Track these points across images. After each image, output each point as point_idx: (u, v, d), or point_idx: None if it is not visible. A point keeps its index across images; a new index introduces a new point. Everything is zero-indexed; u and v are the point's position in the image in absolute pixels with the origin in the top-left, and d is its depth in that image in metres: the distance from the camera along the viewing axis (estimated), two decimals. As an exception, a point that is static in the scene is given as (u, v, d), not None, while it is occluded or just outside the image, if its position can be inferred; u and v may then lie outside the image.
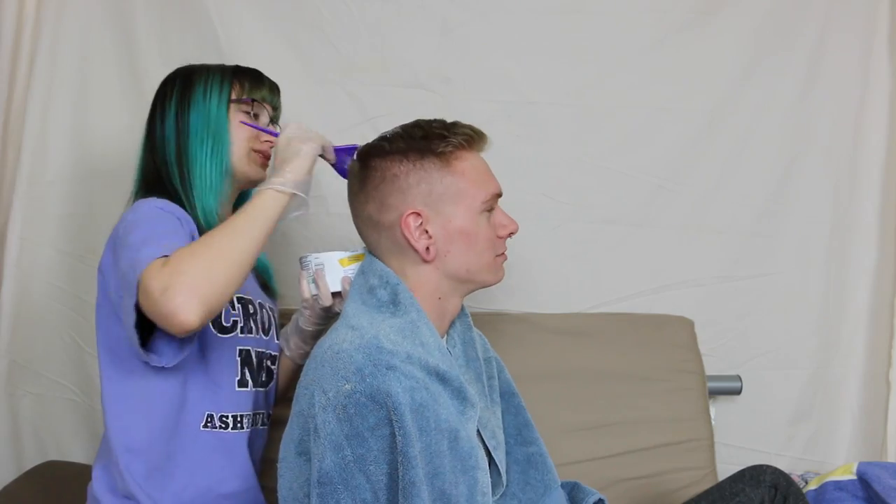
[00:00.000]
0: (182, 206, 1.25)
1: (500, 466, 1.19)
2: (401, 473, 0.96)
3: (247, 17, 1.76)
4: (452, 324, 1.24)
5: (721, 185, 1.83)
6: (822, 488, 1.51)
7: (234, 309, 1.26)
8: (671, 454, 1.63)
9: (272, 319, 1.36)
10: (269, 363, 1.33)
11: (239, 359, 1.26)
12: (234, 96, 1.32)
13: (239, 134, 1.31)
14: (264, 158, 1.34)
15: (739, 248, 1.84)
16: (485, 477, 1.07)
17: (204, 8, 1.75)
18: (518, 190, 1.77)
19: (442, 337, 1.20)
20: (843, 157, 1.85)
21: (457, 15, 1.79)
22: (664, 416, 1.65)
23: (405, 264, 1.14)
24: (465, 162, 1.14)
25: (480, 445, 1.11)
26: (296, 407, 1.07)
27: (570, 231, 1.81)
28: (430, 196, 1.12)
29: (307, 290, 1.28)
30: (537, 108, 1.80)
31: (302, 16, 1.78)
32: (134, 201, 1.30)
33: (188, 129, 1.28)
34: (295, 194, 1.17)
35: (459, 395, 1.08)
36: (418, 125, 1.16)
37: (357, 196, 1.18)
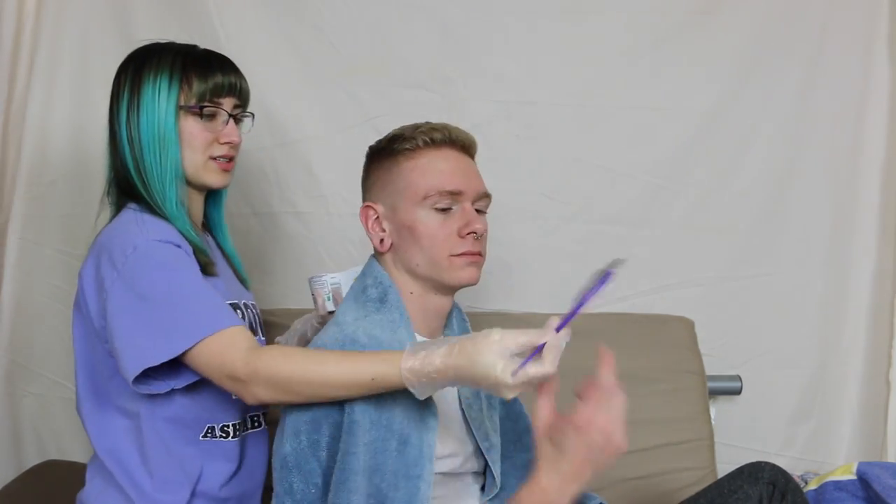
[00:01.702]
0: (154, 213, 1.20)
1: (492, 468, 1.20)
2: (339, 460, 1.01)
3: (247, 17, 1.76)
4: (449, 324, 1.24)
5: (721, 185, 1.83)
6: (822, 488, 1.51)
7: None
8: (671, 454, 1.63)
9: (257, 317, 1.34)
10: None
11: None
12: (182, 101, 1.19)
13: (191, 142, 1.20)
14: (226, 163, 1.24)
15: (739, 248, 1.84)
16: (427, 489, 1.06)
17: (204, 8, 1.75)
18: (518, 190, 1.78)
19: (432, 337, 1.20)
20: (843, 157, 1.85)
21: (457, 15, 1.79)
22: (664, 416, 1.65)
23: (378, 258, 1.20)
24: (422, 159, 1.15)
25: (432, 459, 1.08)
26: None
27: (569, 231, 1.81)
28: (382, 191, 1.18)
29: (325, 307, 1.31)
30: (537, 108, 1.80)
31: (302, 16, 1.78)
32: (111, 206, 1.25)
33: (140, 136, 1.19)
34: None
35: (424, 403, 1.07)
36: (400, 129, 1.19)
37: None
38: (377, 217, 1.18)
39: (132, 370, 1.09)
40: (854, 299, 1.87)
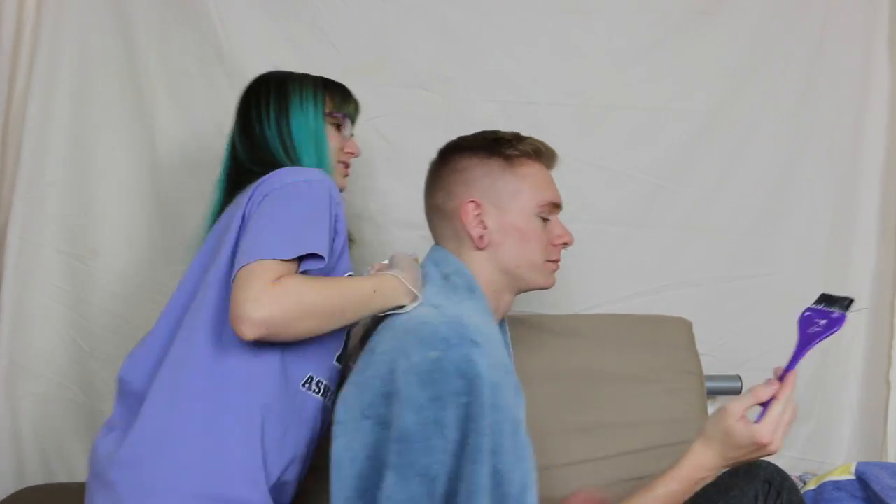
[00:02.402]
0: None
1: None
2: (470, 440, 1.01)
3: (247, 17, 1.76)
4: (501, 323, 1.30)
5: (721, 185, 1.83)
6: (821, 488, 1.51)
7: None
8: (670, 455, 1.62)
9: None
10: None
11: (345, 335, 1.30)
12: (327, 109, 1.37)
13: (331, 145, 1.37)
14: (346, 168, 1.42)
15: (739, 248, 1.84)
16: (534, 472, 1.09)
17: (204, 8, 1.76)
18: (518, 190, 1.78)
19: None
20: (843, 157, 1.85)
21: (457, 15, 1.79)
22: (663, 416, 1.65)
23: (462, 251, 1.22)
24: (528, 168, 1.24)
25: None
26: (367, 372, 1.10)
27: (569, 231, 1.81)
28: (490, 190, 1.21)
29: None
30: (537, 108, 1.80)
31: (302, 16, 1.78)
32: (222, 194, 1.37)
33: (292, 135, 1.34)
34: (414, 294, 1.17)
35: (517, 391, 1.12)
36: (494, 131, 1.26)
37: (430, 186, 1.28)
38: (479, 213, 1.21)
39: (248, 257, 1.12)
40: (854, 299, 1.86)
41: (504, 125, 1.76)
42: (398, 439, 1.03)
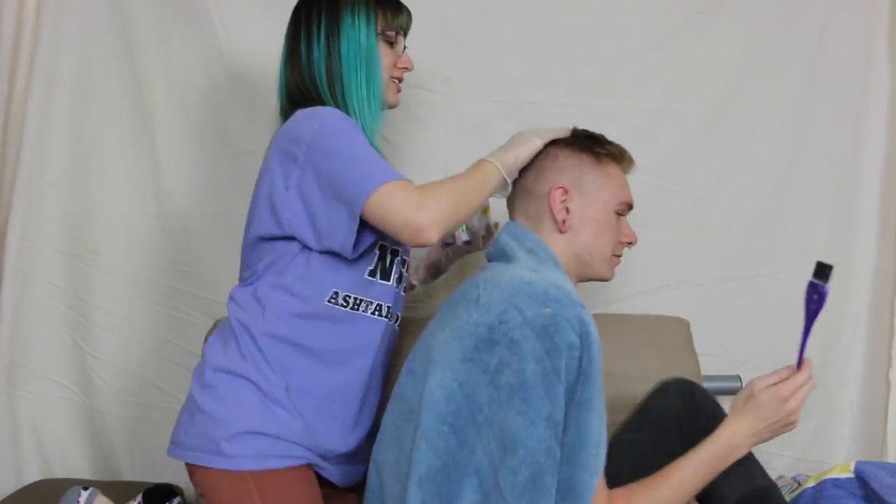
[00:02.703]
0: None
1: None
2: (579, 390, 1.10)
3: (247, 17, 1.76)
4: None
5: (721, 185, 1.83)
6: (821, 486, 1.51)
7: None
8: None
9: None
10: (401, 266, 1.38)
11: (378, 252, 1.32)
12: (379, 28, 1.34)
13: (384, 62, 1.36)
14: (399, 83, 1.41)
15: (739, 248, 1.84)
16: (606, 428, 1.16)
17: (204, 8, 1.76)
18: (518, 190, 1.78)
19: None
20: (843, 157, 1.85)
21: (457, 15, 1.79)
22: (662, 416, 1.65)
23: (542, 230, 1.29)
24: (613, 168, 1.32)
25: None
26: (469, 319, 1.16)
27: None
28: (579, 180, 1.29)
29: (461, 237, 1.52)
30: (537, 108, 1.80)
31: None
32: (286, 114, 1.35)
33: (340, 55, 1.32)
34: (505, 179, 1.29)
35: None
36: (585, 132, 1.34)
37: (524, 168, 1.33)
38: (565, 199, 1.27)
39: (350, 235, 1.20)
40: (854, 299, 1.87)
41: (504, 125, 1.78)
42: (522, 387, 1.09)
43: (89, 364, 1.81)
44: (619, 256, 1.36)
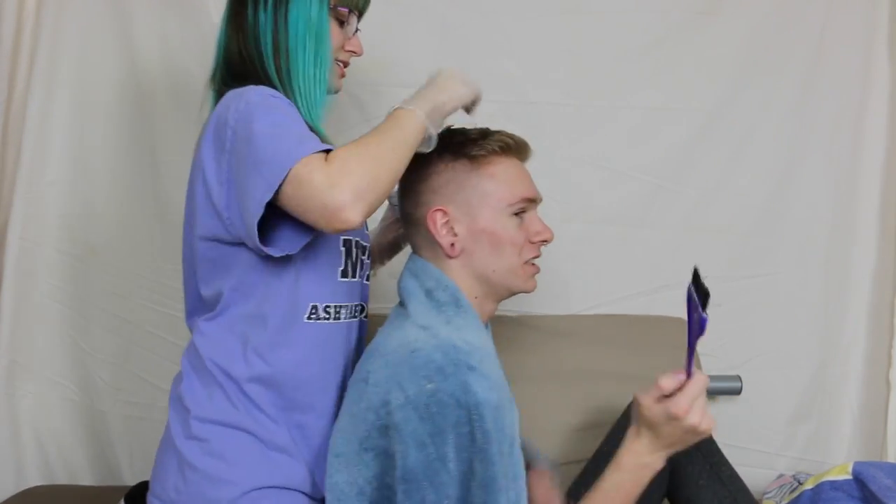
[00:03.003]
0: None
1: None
2: (480, 470, 0.99)
3: (247, 17, 1.76)
4: (487, 327, 1.27)
5: (721, 185, 1.83)
6: (819, 488, 1.51)
7: None
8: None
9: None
10: (362, 255, 1.27)
11: (343, 249, 1.21)
12: (332, 2, 1.21)
13: (332, 42, 1.23)
14: (343, 67, 1.29)
15: (739, 248, 1.84)
16: (526, 490, 1.08)
17: (204, 8, 1.75)
18: (518, 190, 1.78)
19: None
20: (843, 157, 1.85)
21: (457, 15, 1.79)
22: (663, 416, 1.65)
23: (437, 260, 1.17)
24: (497, 166, 1.17)
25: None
26: (360, 403, 1.08)
27: (569, 231, 1.81)
28: (457, 195, 1.16)
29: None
30: (537, 108, 1.80)
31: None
32: (214, 92, 1.24)
33: (287, 26, 1.18)
34: (428, 132, 1.12)
35: (512, 403, 1.10)
36: (460, 131, 1.20)
37: (400, 192, 1.23)
38: (447, 220, 1.16)
39: (251, 222, 1.04)
40: (854, 299, 1.87)
41: (504, 125, 1.76)
42: (404, 478, 1.00)
43: (89, 364, 1.81)
44: (536, 258, 1.21)
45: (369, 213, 1.04)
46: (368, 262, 1.30)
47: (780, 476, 1.73)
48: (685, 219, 1.83)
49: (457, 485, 1.00)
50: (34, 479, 1.78)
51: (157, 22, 1.77)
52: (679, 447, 1.05)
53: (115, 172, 1.80)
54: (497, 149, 1.17)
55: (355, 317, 1.25)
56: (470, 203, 1.15)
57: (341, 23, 1.25)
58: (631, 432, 1.06)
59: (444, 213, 1.15)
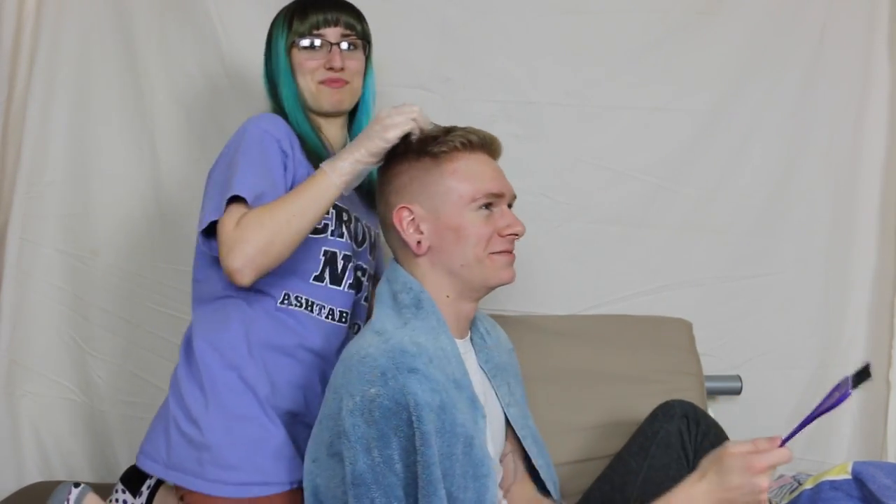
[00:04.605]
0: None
1: (529, 453, 1.29)
2: (420, 473, 1.01)
3: (247, 17, 1.76)
4: (475, 328, 1.28)
5: (721, 185, 1.83)
6: (818, 488, 1.51)
7: (327, 214, 1.29)
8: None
9: (367, 235, 1.42)
10: (358, 273, 1.37)
11: (322, 258, 1.31)
12: (290, 40, 1.37)
13: (302, 70, 1.37)
14: (334, 83, 1.37)
15: (739, 248, 1.84)
16: (494, 487, 1.09)
17: (204, 8, 1.75)
18: (518, 190, 1.74)
19: (462, 338, 1.22)
20: (843, 157, 1.85)
21: (457, 15, 1.79)
22: (663, 416, 1.65)
23: (409, 261, 1.19)
24: (459, 162, 1.17)
25: (490, 456, 1.13)
26: (325, 410, 1.12)
27: (569, 231, 1.81)
28: (421, 193, 1.17)
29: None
30: (537, 108, 1.80)
31: (302, 16, 1.78)
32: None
33: (271, 64, 1.40)
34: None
35: (473, 404, 1.11)
36: (426, 131, 1.20)
37: (376, 197, 1.25)
38: (412, 218, 1.16)
39: (200, 225, 1.24)
40: (854, 299, 1.87)
41: (504, 125, 1.78)
42: (353, 483, 1.02)
43: (89, 364, 1.81)
44: (507, 252, 1.20)
45: (260, 276, 1.19)
46: (366, 281, 1.40)
47: (781, 476, 1.73)
48: (685, 219, 1.83)
49: (404, 486, 1.02)
50: (34, 479, 1.77)
51: (157, 22, 1.77)
52: None
53: (115, 172, 1.80)
54: (458, 145, 1.17)
55: (336, 321, 1.33)
56: (433, 200, 1.16)
57: (310, 48, 1.36)
58: (693, 476, 1.05)
59: (410, 210, 1.17)
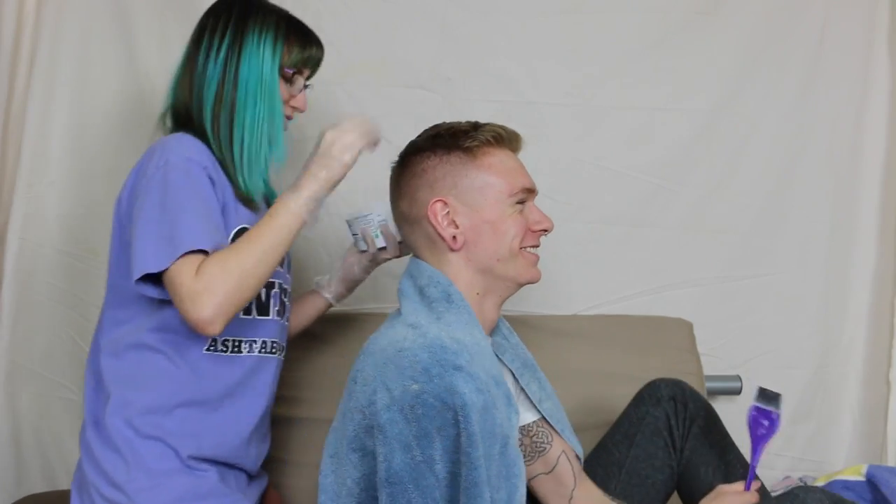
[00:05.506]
0: (209, 146, 1.23)
1: (575, 447, 1.29)
2: (464, 474, 0.97)
3: (247, 17, 1.76)
4: (498, 330, 1.28)
5: (721, 185, 1.83)
6: (831, 486, 1.51)
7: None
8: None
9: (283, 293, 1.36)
10: (283, 297, 1.32)
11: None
12: (283, 62, 1.26)
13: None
14: (286, 121, 1.32)
15: (739, 248, 1.84)
16: (523, 487, 1.07)
17: (204, 8, 1.75)
18: (518, 190, 1.78)
19: (488, 335, 1.22)
20: (843, 157, 1.85)
21: (457, 15, 1.79)
22: (663, 416, 1.65)
23: (439, 257, 1.17)
24: (492, 157, 1.17)
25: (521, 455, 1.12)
26: (349, 403, 1.09)
27: (569, 231, 1.81)
28: (456, 188, 1.15)
29: (375, 243, 1.37)
30: (537, 108, 1.80)
31: (302, 16, 1.75)
32: (163, 133, 1.28)
33: (237, 80, 1.22)
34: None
35: (508, 401, 1.09)
36: (449, 125, 1.20)
37: (393, 194, 1.22)
38: (447, 212, 1.14)
39: (136, 272, 1.13)
40: (854, 299, 1.87)
41: (504, 125, 1.78)
42: (388, 481, 0.99)
43: (89, 364, 1.81)
44: (536, 248, 1.21)
45: (229, 321, 1.11)
46: (287, 302, 1.35)
47: (787, 477, 1.74)
48: (685, 219, 1.83)
49: (443, 488, 0.99)
50: (34, 479, 1.78)
51: (156, 22, 1.77)
52: None
53: (115, 172, 1.79)
54: (490, 139, 1.17)
55: (268, 352, 1.29)
56: (471, 194, 1.15)
57: (289, 80, 1.28)
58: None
59: (445, 203, 1.15)
